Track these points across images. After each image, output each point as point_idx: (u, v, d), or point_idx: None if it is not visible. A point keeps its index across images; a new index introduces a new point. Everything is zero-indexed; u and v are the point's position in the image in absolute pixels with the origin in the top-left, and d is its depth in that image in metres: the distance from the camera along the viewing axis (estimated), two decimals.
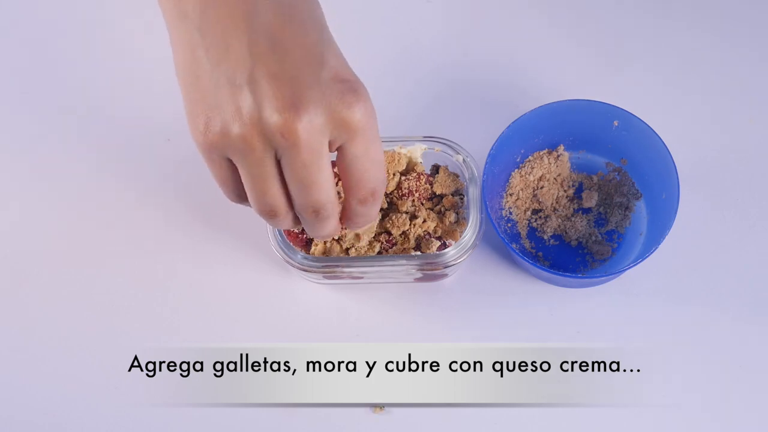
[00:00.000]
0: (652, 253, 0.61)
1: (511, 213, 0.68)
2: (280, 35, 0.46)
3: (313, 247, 0.62)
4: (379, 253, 0.62)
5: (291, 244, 0.62)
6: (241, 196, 0.50)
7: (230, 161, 0.48)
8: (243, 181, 0.49)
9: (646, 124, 0.63)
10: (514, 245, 0.65)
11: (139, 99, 0.72)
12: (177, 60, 0.48)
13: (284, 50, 0.46)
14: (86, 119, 0.72)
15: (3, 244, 0.69)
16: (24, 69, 0.74)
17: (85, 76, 0.73)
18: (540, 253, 0.67)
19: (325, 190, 0.48)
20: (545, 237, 0.68)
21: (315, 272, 0.62)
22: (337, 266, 0.62)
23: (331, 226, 0.51)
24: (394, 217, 0.62)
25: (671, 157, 0.62)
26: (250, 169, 0.48)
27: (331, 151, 0.48)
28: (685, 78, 0.72)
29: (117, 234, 0.69)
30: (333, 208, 0.50)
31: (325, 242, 0.62)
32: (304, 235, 0.63)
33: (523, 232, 0.68)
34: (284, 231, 0.62)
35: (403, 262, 0.61)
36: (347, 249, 0.62)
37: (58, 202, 0.70)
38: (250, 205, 0.51)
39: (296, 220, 0.52)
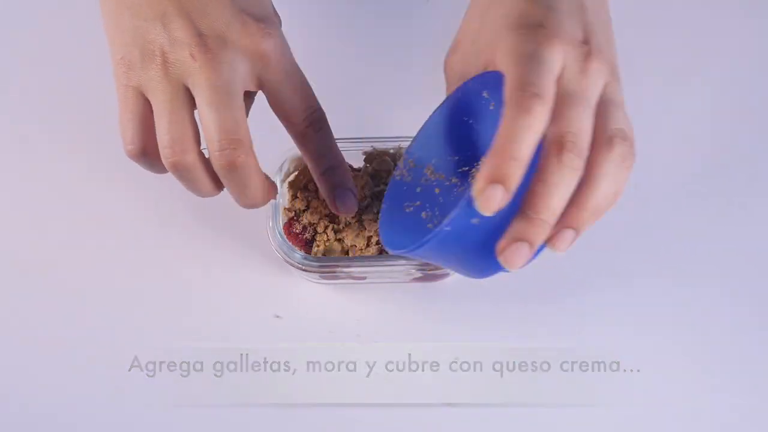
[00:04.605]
0: None
1: None
2: None
3: (314, 248, 0.62)
4: (379, 253, 0.62)
5: (291, 244, 0.62)
6: (143, 147, 0.51)
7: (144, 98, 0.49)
8: (156, 120, 0.50)
9: None
10: None
11: None
12: (103, 13, 0.51)
13: None
14: (85, 118, 0.72)
15: (2, 244, 0.69)
16: (23, 68, 0.74)
17: (84, 74, 0.73)
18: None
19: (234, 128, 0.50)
20: None
21: (315, 272, 0.62)
22: (337, 266, 0.62)
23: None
24: None
25: None
26: (163, 104, 0.49)
27: (250, 89, 0.50)
28: (685, 78, 0.72)
29: (117, 234, 0.69)
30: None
31: (325, 242, 0.62)
32: (304, 235, 0.63)
33: None
34: (284, 231, 0.62)
35: (403, 262, 0.61)
36: (347, 249, 0.63)
37: (58, 202, 0.70)
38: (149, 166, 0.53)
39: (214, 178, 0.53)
